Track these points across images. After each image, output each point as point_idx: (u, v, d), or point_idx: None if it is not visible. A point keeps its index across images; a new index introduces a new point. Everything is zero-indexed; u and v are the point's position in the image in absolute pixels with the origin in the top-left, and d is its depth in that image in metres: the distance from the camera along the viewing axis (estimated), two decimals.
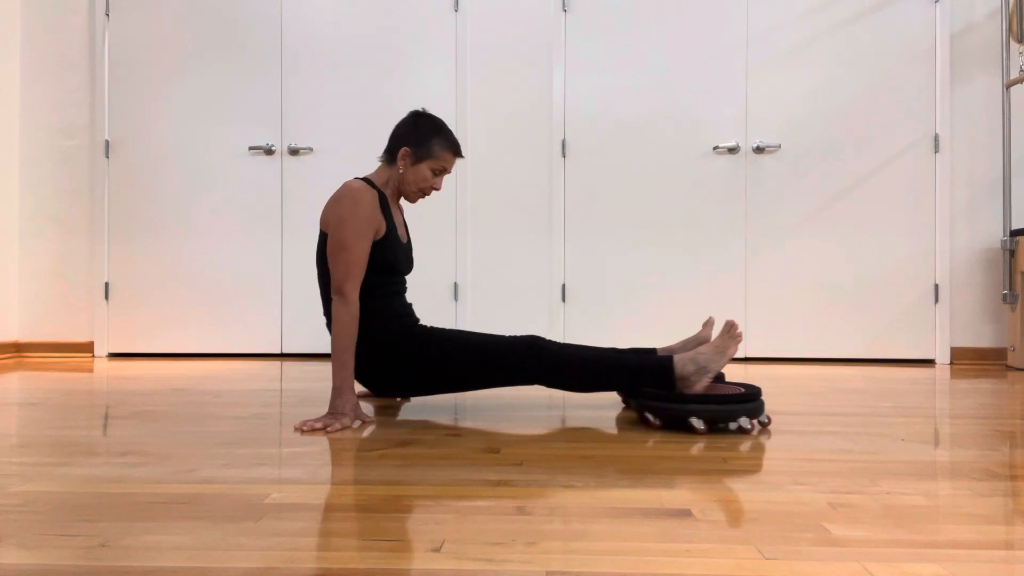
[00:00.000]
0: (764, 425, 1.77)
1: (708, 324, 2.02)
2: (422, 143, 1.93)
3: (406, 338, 1.91)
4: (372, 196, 1.87)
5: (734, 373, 3.04)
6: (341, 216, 1.82)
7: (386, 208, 1.93)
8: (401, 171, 1.96)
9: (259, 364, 3.39)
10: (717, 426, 1.74)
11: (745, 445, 1.57)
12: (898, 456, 1.47)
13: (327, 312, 1.98)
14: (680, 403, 1.70)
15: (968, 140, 3.56)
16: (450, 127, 2.02)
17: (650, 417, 1.77)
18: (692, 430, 1.70)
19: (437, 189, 2.01)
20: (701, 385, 1.76)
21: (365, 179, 1.95)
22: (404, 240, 2.06)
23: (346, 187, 1.86)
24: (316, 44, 3.72)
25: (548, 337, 3.67)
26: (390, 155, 1.98)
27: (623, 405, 2.14)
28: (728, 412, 1.68)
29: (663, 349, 2.03)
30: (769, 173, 3.62)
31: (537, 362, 1.83)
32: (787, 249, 3.61)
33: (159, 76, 3.76)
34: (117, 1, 3.77)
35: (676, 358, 1.78)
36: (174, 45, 3.76)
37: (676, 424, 1.74)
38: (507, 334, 3.68)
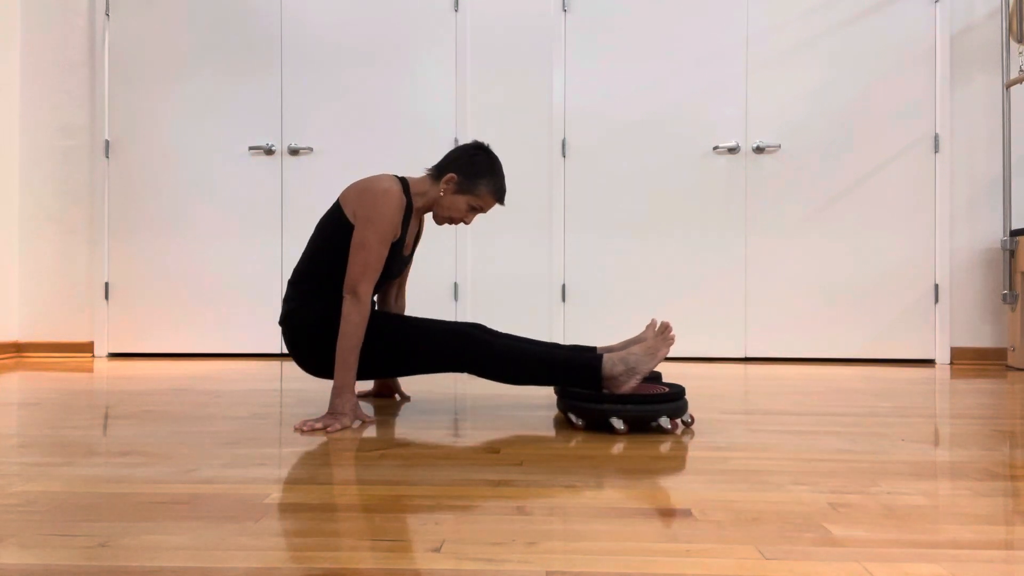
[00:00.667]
0: (687, 425, 1.77)
1: (651, 326, 2.00)
2: (471, 177, 1.92)
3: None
4: (401, 203, 1.85)
5: (734, 373, 3.05)
6: (369, 216, 1.81)
7: (407, 219, 1.93)
8: (441, 194, 1.95)
9: (259, 364, 3.39)
10: (650, 425, 1.74)
11: (745, 446, 1.57)
12: (898, 456, 1.47)
13: (298, 268, 1.95)
14: (598, 403, 1.70)
15: (968, 140, 3.56)
16: (503, 171, 2.02)
17: (572, 418, 1.76)
18: (613, 430, 1.70)
19: (467, 223, 2.00)
20: (629, 386, 1.75)
21: (403, 180, 1.94)
22: (407, 253, 2.05)
23: (380, 184, 1.85)
24: (316, 44, 3.72)
25: (547, 337, 3.67)
26: (438, 173, 1.96)
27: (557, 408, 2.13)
28: (648, 412, 1.68)
29: (603, 348, 2.02)
30: (769, 173, 3.62)
31: (469, 350, 1.83)
32: (787, 249, 3.61)
33: (159, 76, 3.76)
34: (117, 1, 3.77)
35: (605, 358, 1.77)
36: (174, 45, 3.76)
37: (598, 424, 1.74)
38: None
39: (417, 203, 1.98)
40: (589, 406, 1.71)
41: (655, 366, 1.76)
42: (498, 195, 1.96)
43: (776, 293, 3.62)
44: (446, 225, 3.68)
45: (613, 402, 1.68)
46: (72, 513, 1.07)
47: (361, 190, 1.86)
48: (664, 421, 1.69)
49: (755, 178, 3.62)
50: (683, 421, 1.76)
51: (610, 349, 2.01)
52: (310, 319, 1.91)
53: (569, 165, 3.68)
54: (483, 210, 1.97)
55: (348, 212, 1.88)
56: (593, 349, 1.98)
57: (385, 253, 1.84)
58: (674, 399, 1.71)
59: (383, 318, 1.90)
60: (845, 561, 0.88)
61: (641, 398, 1.68)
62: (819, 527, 1.01)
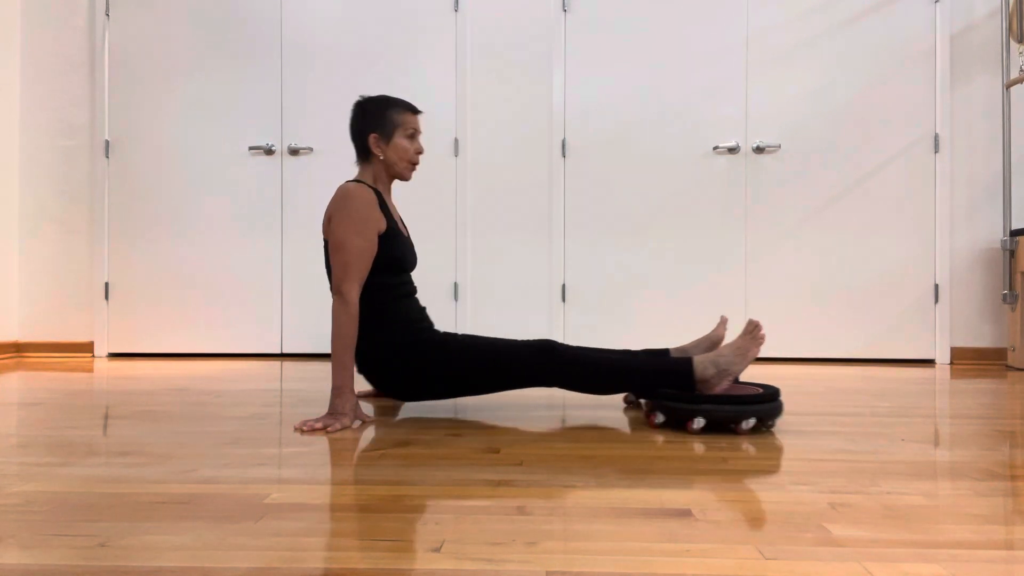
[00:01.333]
0: (768, 426, 1.75)
1: (722, 323, 2.00)
2: (380, 120, 1.93)
3: (427, 346, 1.90)
4: (368, 194, 1.87)
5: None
6: (337, 217, 1.83)
7: (384, 205, 1.94)
8: (381, 156, 1.95)
9: (259, 364, 3.39)
10: (729, 427, 1.73)
11: (745, 445, 1.57)
12: (898, 456, 1.47)
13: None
14: (691, 403, 1.69)
15: (968, 140, 3.56)
16: (397, 95, 2.02)
17: (659, 417, 1.75)
18: (701, 430, 1.69)
19: (420, 152, 2.00)
20: (721, 387, 1.74)
21: (357, 180, 1.95)
22: (405, 234, 2.06)
23: (341, 189, 1.87)
24: (316, 44, 3.72)
25: (554, 339, 3.67)
26: (363, 151, 1.97)
27: (624, 404, 2.14)
28: (740, 412, 1.66)
29: (676, 349, 2.02)
30: (769, 173, 3.62)
31: (555, 366, 1.82)
32: (787, 249, 3.61)
33: (159, 76, 3.76)
34: (117, 1, 3.77)
35: (696, 360, 1.76)
36: (174, 45, 3.76)
37: (685, 424, 1.73)
38: (519, 338, 3.68)
39: (380, 187, 1.98)
40: (679, 406, 1.70)
41: (745, 367, 1.74)
42: (410, 108, 1.97)
43: (776, 293, 3.62)
44: (439, 218, 3.67)
45: (708, 403, 1.67)
46: (72, 513, 1.07)
47: (331, 204, 1.88)
48: (750, 421, 1.68)
49: (755, 178, 3.62)
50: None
51: (683, 351, 2.00)
52: (375, 356, 1.91)
53: (569, 165, 3.68)
54: (417, 131, 1.97)
55: (327, 230, 1.89)
56: (666, 351, 1.96)
57: (366, 249, 1.83)
58: (771, 399, 1.69)
59: (461, 344, 1.90)
60: (845, 561, 0.88)
61: (737, 399, 1.67)
62: (819, 527, 1.01)
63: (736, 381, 1.97)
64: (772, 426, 1.75)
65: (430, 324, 2.03)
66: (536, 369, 1.84)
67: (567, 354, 1.83)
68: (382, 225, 1.89)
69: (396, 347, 1.91)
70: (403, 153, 1.96)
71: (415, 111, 1.98)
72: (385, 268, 1.92)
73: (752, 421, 1.67)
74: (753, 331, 1.75)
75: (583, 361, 1.82)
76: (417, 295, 2.03)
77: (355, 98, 3.70)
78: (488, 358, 1.86)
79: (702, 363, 1.75)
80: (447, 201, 3.70)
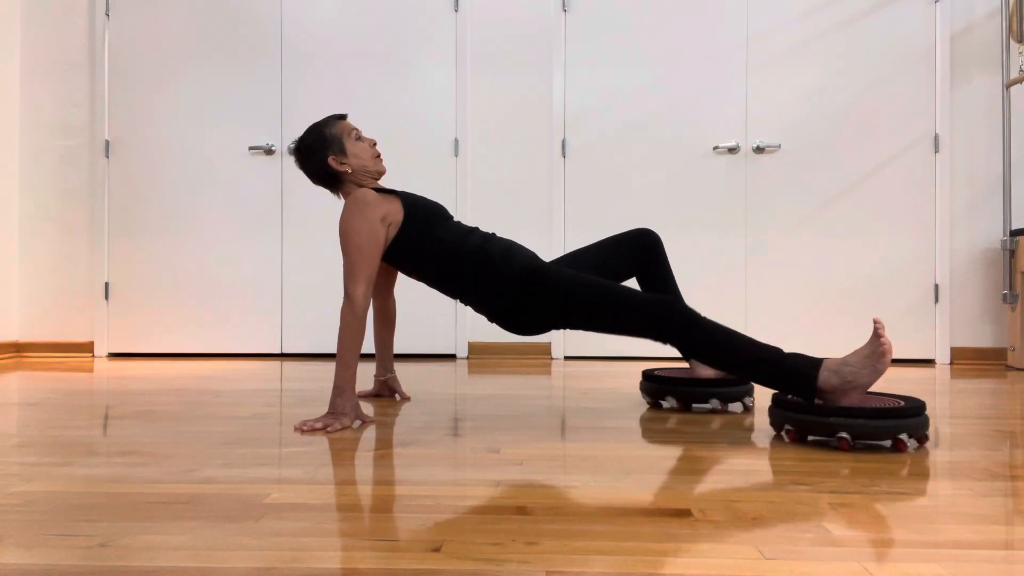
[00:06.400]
0: (920, 444, 1.57)
1: (879, 325, 1.72)
2: (325, 143, 1.95)
3: (533, 278, 1.83)
4: (365, 195, 1.85)
5: None
6: (341, 227, 1.84)
7: (384, 196, 1.92)
8: (349, 169, 1.96)
9: (259, 364, 3.39)
10: (864, 443, 1.58)
11: (744, 446, 1.57)
12: (898, 456, 1.47)
13: (444, 293, 1.97)
14: (822, 416, 1.53)
15: (968, 140, 3.56)
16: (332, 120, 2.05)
17: (785, 433, 1.63)
18: (835, 446, 1.56)
19: (375, 142, 2.02)
20: (849, 399, 1.56)
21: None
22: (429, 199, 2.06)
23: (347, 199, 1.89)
24: (316, 44, 3.72)
25: (545, 337, 3.67)
26: (332, 178, 1.98)
27: (647, 405, 2.13)
28: (878, 428, 1.49)
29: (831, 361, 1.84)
30: (769, 173, 3.62)
31: (682, 325, 1.69)
32: (787, 249, 3.61)
33: (159, 76, 3.76)
34: (117, 1, 3.77)
35: (824, 365, 1.58)
36: (174, 45, 3.76)
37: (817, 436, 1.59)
38: (519, 339, 3.68)
39: (376, 192, 1.94)
40: (812, 419, 1.55)
41: (873, 382, 1.56)
42: (336, 117, 1.99)
43: (776, 293, 3.62)
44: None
45: (842, 416, 1.51)
46: (72, 513, 1.07)
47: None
48: (905, 437, 1.51)
49: (755, 178, 3.62)
50: (918, 438, 1.55)
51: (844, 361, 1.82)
52: (494, 298, 1.87)
53: (569, 165, 3.68)
54: (357, 130, 1.99)
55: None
56: (820, 361, 1.64)
57: (368, 249, 1.82)
58: (916, 414, 1.52)
59: (570, 282, 1.81)
60: (845, 561, 0.88)
61: (875, 412, 1.50)
62: (819, 527, 1.01)
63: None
64: (925, 441, 1.57)
65: (525, 254, 1.93)
66: (662, 322, 1.70)
67: (701, 323, 1.69)
68: (392, 207, 1.88)
69: (506, 287, 1.85)
70: (363, 151, 1.98)
71: (343, 116, 2.01)
72: (434, 222, 1.90)
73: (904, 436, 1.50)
74: (875, 340, 1.54)
75: (709, 329, 1.69)
76: (478, 232, 1.97)
77: (355, 98, 3.70)
78: (608, 304, 1.76)
79: (827, 372, 1.56)
80: (447, 201, 3.69)
